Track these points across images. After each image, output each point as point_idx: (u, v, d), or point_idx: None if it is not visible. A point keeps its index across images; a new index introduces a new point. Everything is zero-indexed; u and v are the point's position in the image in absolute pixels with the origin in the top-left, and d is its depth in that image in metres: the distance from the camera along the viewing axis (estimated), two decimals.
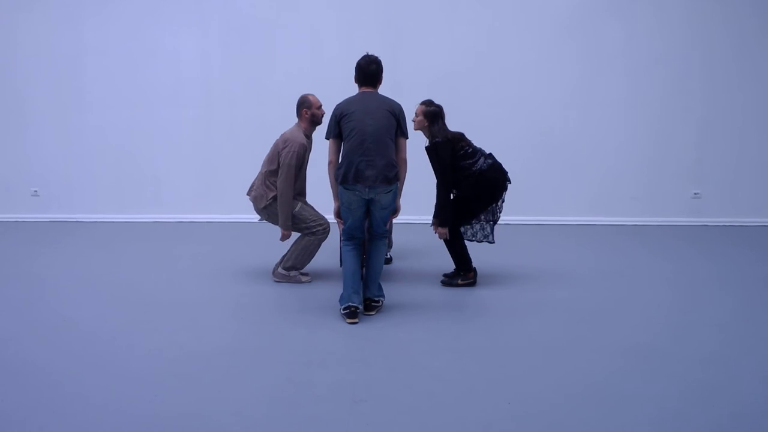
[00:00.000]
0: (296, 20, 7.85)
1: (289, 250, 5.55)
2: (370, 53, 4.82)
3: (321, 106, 5.44)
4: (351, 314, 4.65)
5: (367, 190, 4.55)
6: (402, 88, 7.22)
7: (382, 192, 4.58)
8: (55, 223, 8.14)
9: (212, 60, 8.09)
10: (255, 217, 7.81)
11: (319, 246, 5.49)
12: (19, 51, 8.16)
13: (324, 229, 5.42)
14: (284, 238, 5.39)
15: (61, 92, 8.20)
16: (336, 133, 4.71)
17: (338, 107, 4.73)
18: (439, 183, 5.15)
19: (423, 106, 5.26)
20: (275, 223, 5.47)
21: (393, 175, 4.57)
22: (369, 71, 4.73)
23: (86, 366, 3.85)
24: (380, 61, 4.80)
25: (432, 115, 5.22)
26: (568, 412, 3.28)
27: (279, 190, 5.26)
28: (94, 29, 8.08)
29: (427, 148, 5.25)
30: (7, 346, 4.18)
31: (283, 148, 5.28)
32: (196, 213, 8.26)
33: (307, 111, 5.38)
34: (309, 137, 5.46)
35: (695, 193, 8.09)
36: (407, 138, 4.79)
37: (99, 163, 8.28)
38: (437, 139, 5.14)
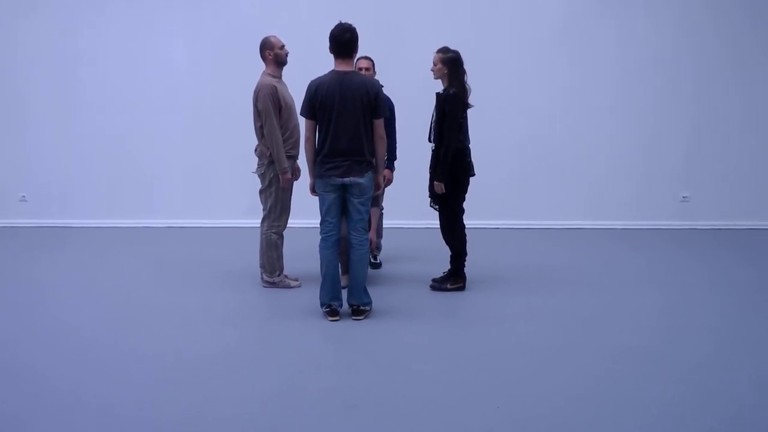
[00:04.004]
0: (290, 25, 7.83)
1: (259, 255, 5.54)
2: (343, 21, 4.68)
3: (284, 46, 5.37)
4: (331, 312, 4.72)
5: (341, 178, 4.57)
6: (395, 91, 7.21)
7: (355, 182, 4.58)
8: (45, 228, 8.08)
9: (205, 66, 8.07)
10: (246, 221, 7.77)
11: (281, 238, 5.44)
12: (16, 56, 8.11)
13: (279, 224, 5.38)
14: (285, 182, 5.28)
15: (54, 97, 8.14)
16: (311, 113, 4.63)
17: (313, 86, 4.63)
18: (444, 137, 5.07)
19: (440, 54, 5.16)
20: (263, 183, 5.37)
21: (367, 165, 4.60)
22: (343, 40, 4.56)
23: (83, 370, 3.86)
24: (355, 29, 4.61)
25: (451, 62, 5.12)
26: (565, 416, 3.29)
27: (266, 136, 5.20)
28: (88, 35, 8.04)
29: (438, 96, 5.17)
30: (6, 349, 4.19)
31: (256, 98, 5.24)
32: (188, 218, 8.22)
33: (270, 52, 5.32)
34: (280, 78, 5.38)
35: (684, 197, 8.13)
36: (383, 117, 4.67)
37: (90, 168, 8.23)
38: (453, 90, 5.07)
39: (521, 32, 7.95)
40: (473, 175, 5.30)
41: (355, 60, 5.14)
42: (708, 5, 7.89)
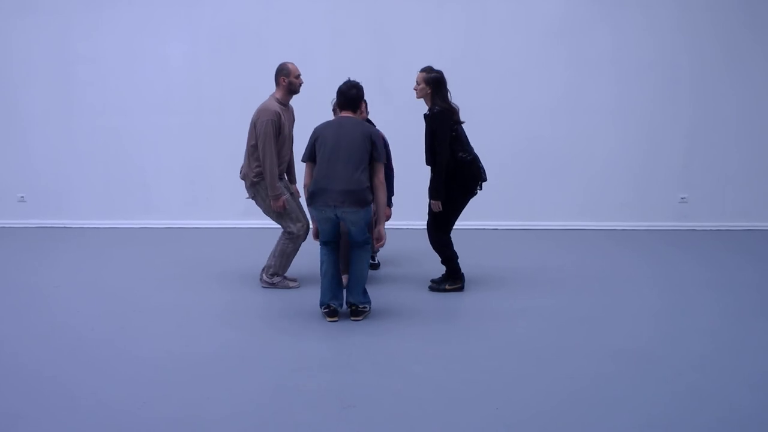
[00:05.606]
0: (285, 27, 7.85)
1: (269, 256, 5.54)
2: (351, 79, 4.88)
3: (300, 75, 5.39)
4: (330, 313, 4.73)
5: (332, 208, 4.52)
6: (394, 93, 7.24)
7: (350, 213, 4.53)
8: (43, 228, 8.09)
9: (201, 67, 8.08)
10: (243, 222, 7.82)
11: (296, 249, 5.46)
12: (11, 57, 8.12)
13: (298, 235, 5.39)
14: (276, 207, 5.28)
15: (52, 98, 8.15)
16: (311, 156, 4.70)
17: (315, 130, 4.77)
18: (436, 155, 5.08)
19: (424, 73, 5.16)
20: (261, 205, 5.42)
21: (361, 197, 4.51)
22: (349, 95, 4.79)
23: (81, 370, 3.86)
24: (361, 86, 4.87)
25: (434, 82, 5.12)
26: (558, 418, 3.29)
27: (261, 160, 5.22)
28: (86, 35, 8.05)
29: (426, 116, 5.18)
30: (5, 348, 4.20)
31: (257, 119, 5.26)
32: (185, 219, 8.22)
33: (285, 79, 5.34)
34: (287, 105, 5.42)
35: (682, 198, 8.13)
36: (383, 163, 4.72)
37: (89, 169, 8.23)
38: (437, 108, 5.08)
39: (519, 34, 7.95)
40: (485, 180, 5.31)
41: None
42: (706, 6, 7.90)
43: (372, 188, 4.64)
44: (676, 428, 3.18)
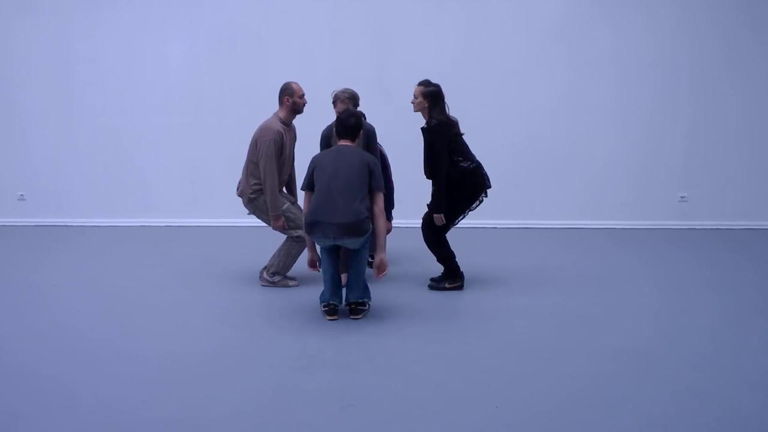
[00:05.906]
0: (285, 27, 7.85)
1: (272, 255, 5.54)
2: (351, 108, 4.94)
3: (304, 95, 5.38)
4: (330, 311, 4.74)
5: (332, 240, 4.56)
6: (394, 92, 7.24)
7: (349, 243, 4.59)
8: (43, 227, 8.09)
9: (201, 67, 8.08)
10: (243, 221, 7.80)
11: (301, 251, 5.46)
12: (11, 57, 8.13)
13: (303, 239, 5.40)
14: (276, 226, 5.31)
15: (52, 97, 8.16)
16: (310, 185, 4.72)
17: (314, 159, 4.79)
18: (434, 168, 5.10)
19: (421, 87, 5.16)
20: (261, 218, 5.46)
21: (360, 228, 4.53)
22: (348, 124, 4.78)
23: (81, 368, 3.86)
24: (360, 115, 4.92)
25: (432, 96, 5.12)
26: (558, 417, 3.29)
27: (263, 179, 5.24)
28: (86, 35, 8.06)
29: (423, 130, 5.18)
30: (4, 347, 4.21)
31: (259, 138, 5.27)
32: (185, 217, 8.22)
33: (289, 99, 5.33)
34: (289, 125, 5.42)
35: (682, 197, 8.13)
36: (382, 192, 4.71)
37: (88, 167, 8.24)
38: (434, 121, 5.08)
39: (519, 34, 7.95)
40: (489, 186, 5.32)
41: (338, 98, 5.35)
42: (706, 6, 7.90)
43: (371, 217, 4.66)
44: (676, 428, 3.18)
